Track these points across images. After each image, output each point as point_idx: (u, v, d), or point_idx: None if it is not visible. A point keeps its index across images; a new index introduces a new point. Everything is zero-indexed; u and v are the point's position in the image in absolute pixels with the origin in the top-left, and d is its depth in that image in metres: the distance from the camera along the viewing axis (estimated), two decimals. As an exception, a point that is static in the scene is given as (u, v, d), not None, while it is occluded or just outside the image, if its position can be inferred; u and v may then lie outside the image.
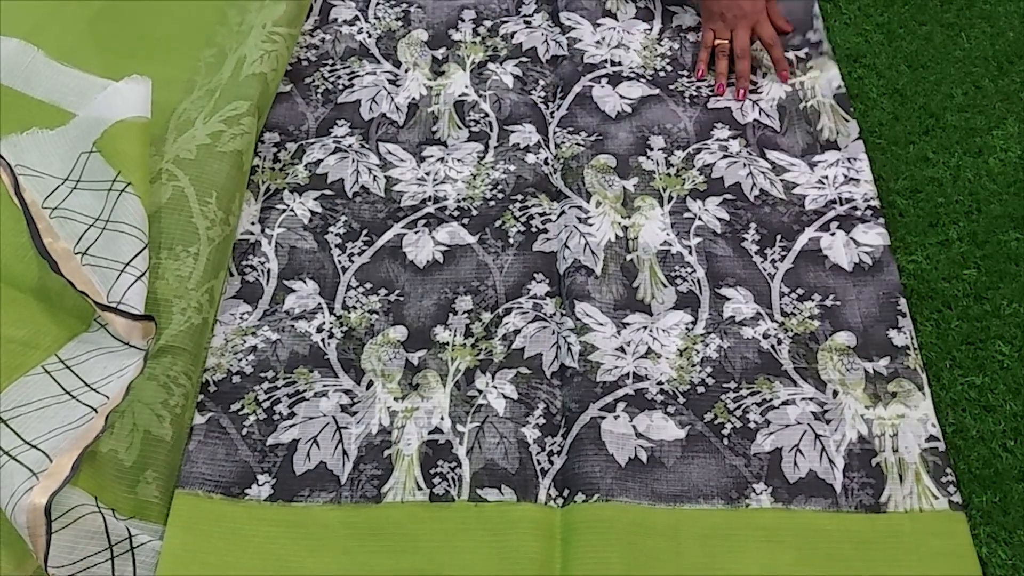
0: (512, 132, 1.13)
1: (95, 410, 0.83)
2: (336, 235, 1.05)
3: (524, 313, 0.98)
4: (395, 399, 0.92)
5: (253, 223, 1.05)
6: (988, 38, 1.22)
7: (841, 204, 1.05)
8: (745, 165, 1.09)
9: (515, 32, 1.25)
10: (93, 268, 0.89)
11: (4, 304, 0.90)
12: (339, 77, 1.20)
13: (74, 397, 0.84)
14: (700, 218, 1.05)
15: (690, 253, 1.02)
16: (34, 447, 0.79)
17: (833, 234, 1.03)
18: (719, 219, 1.05)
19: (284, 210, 1.06)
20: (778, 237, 1.03)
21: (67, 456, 0.78)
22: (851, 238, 1.02)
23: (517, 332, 0.96)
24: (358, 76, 1.20)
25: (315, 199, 1.08)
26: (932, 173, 1.09)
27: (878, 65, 1.20)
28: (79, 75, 1.06)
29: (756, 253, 1.02)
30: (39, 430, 0.80)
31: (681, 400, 0.91)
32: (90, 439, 0.80)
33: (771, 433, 0.89)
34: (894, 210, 1.06)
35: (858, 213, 1.04)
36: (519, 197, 1.07)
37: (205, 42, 1.18)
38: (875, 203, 1.05)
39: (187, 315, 0.92)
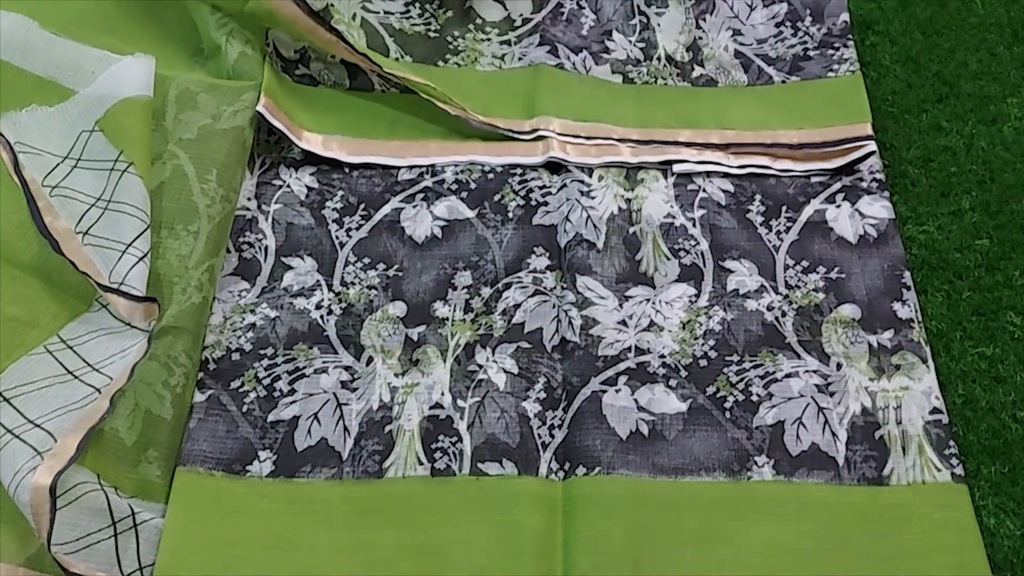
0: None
1: (98, 390, 0.87)
2: (333, 210, 1.10)
3: (524, 287, 1.02)
4: (395, 375, 0.97)
5: (249, 199, 1.10)
6: (1003, 4, 1.25)
7: (847, 175, 1.09)
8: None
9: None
10: (95, 248, 0.93)
11: (3, 282, 0.94)
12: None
13: (76, 377, 0.88)
14: (704, 190, 1.09)
15: (694, 225, 1.07)
16: (37, 426, 0.83)
17: (839, 206, 1.07)
18: (723, 191, 1.09)
19: (281, 186, 1.11)
20: (783, 208, 1.07)
21: (72, 437, 0.82)
22: (856, 210, 1.06)
23: (517, 306, 1.01)
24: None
25: (311, 174, 1.12)
26: (945, 142, 1.13)
27: (891, 32, 1.23)
28: (75, 47, 1.08)
29: (761, 225, 1.06)
30: (42, 409, 0.85)
31: (683, 373, 0.96)
32: (95, 420, 0.84)
33: (774, 406, 0.93)
34: (906, 180, 1.10)
35: (864, 185, 1.09)
36: (518, 171, 1.12)
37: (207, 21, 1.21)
38: (880, 176, 1.09)
39: (188, 294, 0.96)
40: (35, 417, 0.84)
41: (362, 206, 1.10)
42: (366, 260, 1.06)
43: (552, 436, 0.93)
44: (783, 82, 1.19)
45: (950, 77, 1.18)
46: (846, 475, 0.89)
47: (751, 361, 0.96)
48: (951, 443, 0.90)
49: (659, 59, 1.21)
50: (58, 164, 0.98)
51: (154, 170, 1.01)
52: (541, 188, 1.10)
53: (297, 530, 0.88)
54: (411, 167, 1.13)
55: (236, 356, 0.98)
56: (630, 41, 1.22)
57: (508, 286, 1.03)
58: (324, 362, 0.98)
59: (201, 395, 0.95)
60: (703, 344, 0.98)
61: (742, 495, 0.88)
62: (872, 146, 1.09)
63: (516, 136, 1.12)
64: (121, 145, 0.98)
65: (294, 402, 0.95)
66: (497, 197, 1.10)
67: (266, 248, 1.07)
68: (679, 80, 1.19)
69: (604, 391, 0.94)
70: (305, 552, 0.86)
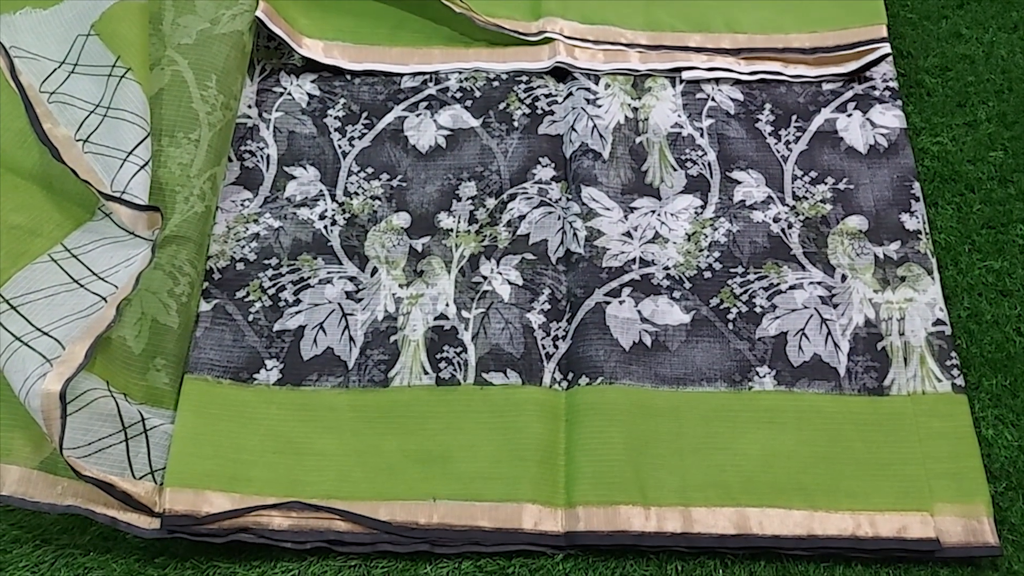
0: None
1: (104, 299, 0.89)
2: (335, 118, 1.10)
3: (529, 198, 1.03)
4: (400, 286, 0.99)
5: (250, 106, 1.10)
6: (1031, -98, 1.21)
7: (860, 83, 1.09)
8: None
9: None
10: (95, 156, 0.94)
11: (5, 190, 0.95)
12: None
13: (82, 286, 0.90)
14: (713, 99, 1.09)
15: (701, 135, 1.07)
16: (46, 334, 0.85)
17: (850, 115, 1.07)
18: (733, 100, 1.09)
19: (281, 93, 1.11)
20: (793, 117, 1.07)
21: (80, 344, 0.84)
22: (868, 119, 1.06)
23: (522, 218, 1.02)
24: None
25: (312, 81, 1.12)
26: (964, 50, 1.12)
27: (913, -69, 1.21)
28: None
29: (770, 134, 1.06)
30: (49, 317, 0.87)
31: (687, 285, 0.98)
32: (102, 328, 0.86)
33: (777, 317, 0.95)
34: (922, 89, 1.10)
35: (876, 93, 1.08)
36: (523, 78, 1.11)
37: None
38: (894, 84, 1.08)
39: (190, 203, 0.97)
40: (43, 325, 0.86)
41: (364, 114, 1.10)
42: (369, 170, 1.06)
43: (556, 347, 0.95)
44: None
45: (973, -20, 1.16)
46: (847, 385, 0.92)
47: (756, 273, 0.98)
48: (953, 354, 0.92)
49: None
50: (55, 69, 0.98)
51: (153, 76, 1.01)
52: (547, 96, 1.10)
53: (305, 436, 0.91)
54: (414, 74, 1.12)
55: (240, 266, 1.00)
56: None
57: (513, 197, 1.04)
58: (329, 272, 1.00)
59: (207, 304, 0.98)
60: (708, 256, 0.99)
61: (743, 404, 0.91)
62: (887, 48, 1.08)
63: (522, 37, 1.11)
64: (118, 50, 0.98)
65: (299, 312, 0.98)
66: (502, 105, 1.09)
67: (268, 157, 1.07)
68: None
69: (608, 302, 0.96)
70: (313, 457, 0.90)
